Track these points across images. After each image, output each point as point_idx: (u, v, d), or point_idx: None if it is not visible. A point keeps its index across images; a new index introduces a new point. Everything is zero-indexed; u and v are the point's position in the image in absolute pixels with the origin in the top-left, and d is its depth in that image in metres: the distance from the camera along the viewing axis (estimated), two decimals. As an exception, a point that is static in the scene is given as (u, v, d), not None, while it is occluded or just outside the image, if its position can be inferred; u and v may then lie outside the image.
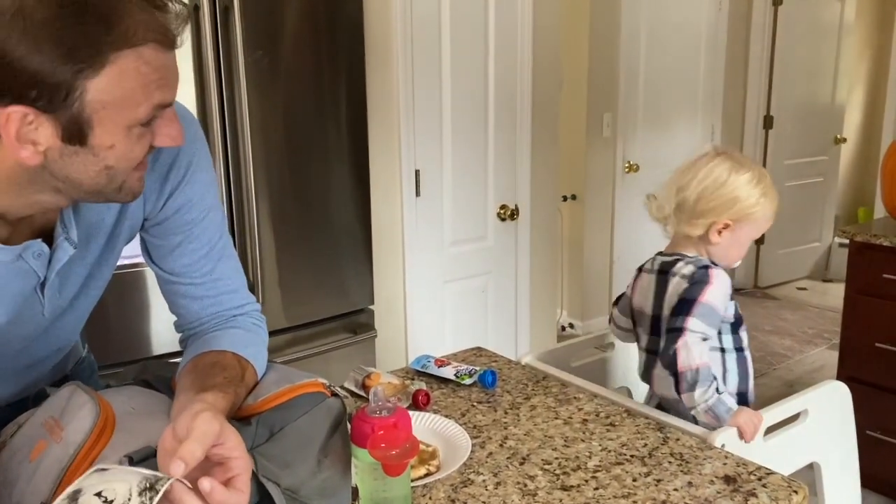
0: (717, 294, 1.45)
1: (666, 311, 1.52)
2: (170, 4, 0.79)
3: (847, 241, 2.56)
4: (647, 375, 1.58)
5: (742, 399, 1.52)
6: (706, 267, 1.50)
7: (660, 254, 1.62)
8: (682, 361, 1.38)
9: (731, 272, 1.62)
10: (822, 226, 5.37)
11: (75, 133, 0.76)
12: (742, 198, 1.49)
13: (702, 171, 1.51)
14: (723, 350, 1.52)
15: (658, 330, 1.55)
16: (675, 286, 1.51)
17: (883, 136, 4.29)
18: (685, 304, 1.45)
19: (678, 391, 1.39)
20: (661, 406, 1.51)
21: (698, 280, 1.47)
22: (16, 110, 0.73)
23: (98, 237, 0.96)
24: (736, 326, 1.53)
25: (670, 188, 1.54)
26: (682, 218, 1.53)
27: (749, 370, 1.55)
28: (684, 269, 1.52)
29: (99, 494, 0.70)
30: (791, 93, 4.91)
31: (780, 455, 1.37)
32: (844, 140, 5.37)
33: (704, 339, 1.42)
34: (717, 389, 1.38)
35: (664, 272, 1.56)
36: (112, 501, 0.70)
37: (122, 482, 0.71)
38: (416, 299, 2.81)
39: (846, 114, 5.41)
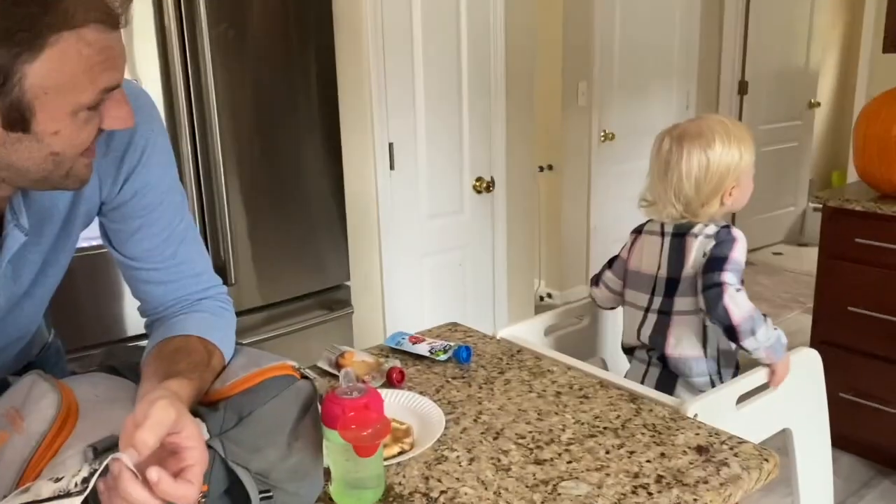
0: (743, 250, 1.54)
1: (689, 270, 1.58)
2: None
3: (821, 206, 2.57)
4: (655, 337, 1.62)
5: (730, 358, 1.58)
6: (728, 227, 1.58)
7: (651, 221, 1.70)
8: (736, 313, 1.47)
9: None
10: (796, 190, 5.41)
11: (17, 120, 0.73)
12: (731, 163, 1.57)
13: (681, 166, 1.57)
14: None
15: (672, 291, 1.59)
16: (701, 245, 1.58)
17: (856, 101, 4.31)
18: (717, 261, 1.52)
19: (736, 340, 1.48)
20: (666, 370, 1.58)
21: (725, 239, 1.55)
22: None
23: (51, 222, 0.93)
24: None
25: (667, 195, 1.59)
26: (694, 209, 1.60)
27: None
28: (706, 229, 1.59)
29: (53, 478, 0.72)
30: (765, 58, 4.91)
31: (753, 422, 1.39)
32: (818, 104, 5.39)
33: (738, 290, 1.50)
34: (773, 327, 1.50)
35: (681, 234, 1.61)
36: (61, 478, 0.71)
37: (75, 466, 0.72)
38: (393, 274, 2.79)
39: (820, 78, 5.42)
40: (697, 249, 1.57)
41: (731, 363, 1.61)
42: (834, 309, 2.56)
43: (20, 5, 0.69)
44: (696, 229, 1.59)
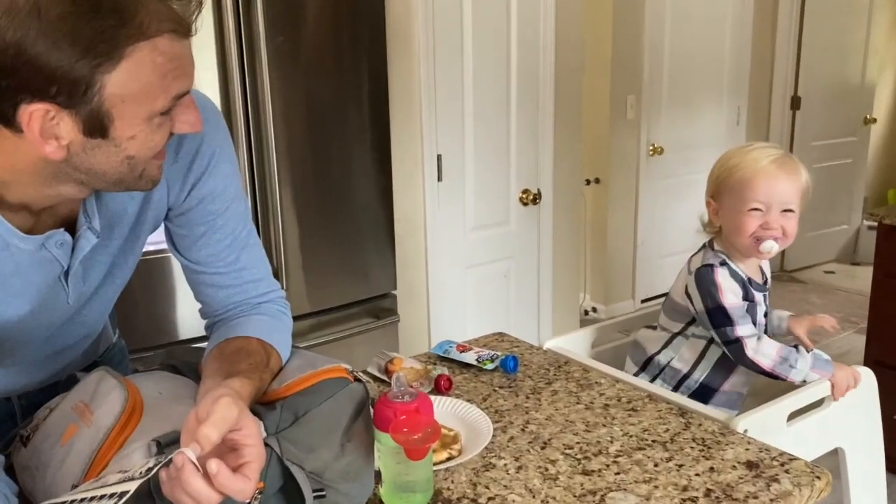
0: (731, 291, 1.47)
1: (674, 295, 1.56)
2: None
3: (875, 224, 2.52)
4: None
5: (705, 391, 1.53)
6: (710, 266, 1.49)
7: None
8: (766, 363, 1.44)
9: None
10: (850, 208, 5.28)
11: (97, 127, 0.77)
12: (713, 172, 1.53)
13: None
14: (710, 340, 1.53)
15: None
16: (683, 277, 1.55)
17: (915, 117, 4.21)
18: (719, 316, 1.46)
19: (781, 379, 1.45)
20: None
21: (707, 282, 1.47)
22: (38, 108, 0.74)
23: (121, 226, 0.97)
24: None
25: None
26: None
27: (732, 375, 1.54)
28: (694, 259, 1.55)
29: (121, 471, 0.76)
30: (819, 72, 4.82)
31: (804, 440, 1.37)
32: (874, 120, 5.27)
33: (759, 338, 1.45)
34: (805, 351, 1.44)
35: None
36: (128, 471, 0.75)
37: (141, 461, 0.76)
38: (439, 284, 2.82)
39: (876, 93, 5.30)
40: (682, 278, 1.54)
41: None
42: (889, 329, 2.50)
43: (99, 19, 0.72)
44: (693, 256, 1.56)
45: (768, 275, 1.61)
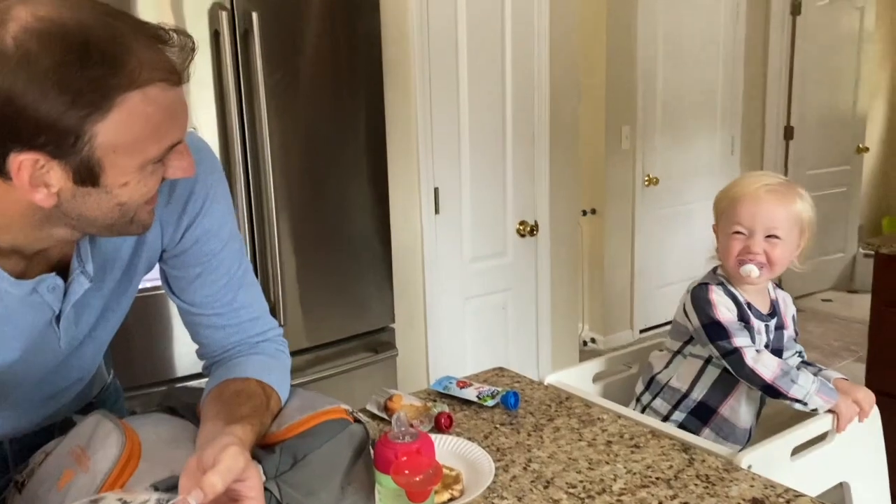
0: (725, 308, 1.47)
1: (677, 317, 1.55)
2: (175, 37, 0.78)
3: (872, 253, 2.52)
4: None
5: (704, 411, 1.51)
6: (705, 284, 1.50)
7: None
8: (766, 374, 1.42)
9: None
10: (846, 236, 5.30)
11: (87, 176, 0.76)
12: (715, 199, 1.54)
13: None
14: (707, 359, 1.52)
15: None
16: (683, 297, 1.55)
17: (906, 146, 4.25)
18: (715, 330, 1.46)
19: (781, 396, 1.42)
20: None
21: (703, 302, 1.48)
22: (27, 157, 0.73)
23: (114, 269, 0.96)
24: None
25: None
26: None
27: (729, 398, 1.52)
28: (696, 280, 1.55)
29: (121, 500, 0.75)
30: (811, 102, 4.87)
31: (809, 475, 1.35)
32: (867, 149, 5.31)
33: (758, 351, 1.44)
34: (814, 372, 1.44)
35: None
36: (129, 502, 0.74)
37: (143, 494, 0.75)
38: (437, 317, 2.81)
39: (868, 123, 5.35)
40: (682, 298, 1.55)
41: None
42: (889, 358, 2.49)
43: (89, 68, 0.71)
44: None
45: (785, 309, 1.58)
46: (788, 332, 1.56)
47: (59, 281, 0.89)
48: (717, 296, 1.48)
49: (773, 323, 1.53)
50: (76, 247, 0.89)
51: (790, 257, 1.48)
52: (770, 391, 1.43)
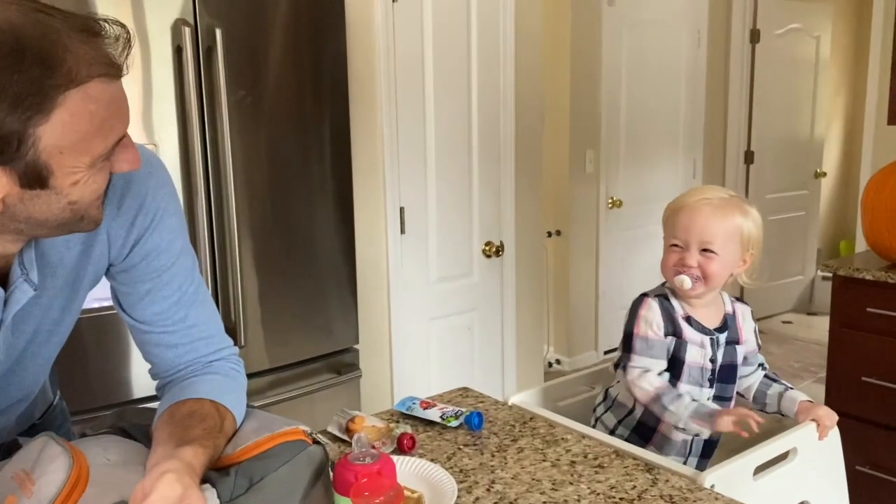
0: (646, 324, 1.47)
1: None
2: (108, 27, 0.76)
3: (830, 275, 2.57)
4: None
5: (644, 430, 1.52)
6: (644, 295, 1.52)
7: None
8: (640, 395, 1.46)
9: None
10: (804, 259, 5.41)
11: (35, 179, 0.74)
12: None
13: None
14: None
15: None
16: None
17: (861, 171, 4.35)
18: (625, 339, 1.50)
19: (658, 416, 1.45)
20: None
21: (631, 313, 1.51)
22: None
23: (57, 278, 0.92)
24: (669, 366, 1.49)
25: None
26: None
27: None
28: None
29: None
30: (771, 128, 4.99)
31: (771, 494, 1.36)
32: (824, 174, 5.44)
33: (647, 371, 1.46)
34: (692, 398, 1.42)
35: None
36: None
37: None
38: (402, 338, 2.78)
39: (825, 148, 5.49)
40: None
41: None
42: (847, 379, 2.53)
43: (24, 71, 0.69)
44: None
45: (743, 323, 1.56)
46: (746, 346, 1.55)
47: (1, 291, 0.86)
48: (646, 310, 1.49)
49: (722, 337, 1.52)
50: (19, 255, 0.86)
51: (727, 272, 1.48)
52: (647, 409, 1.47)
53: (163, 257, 0.98)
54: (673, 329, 1.48)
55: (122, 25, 0.77)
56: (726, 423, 1.37)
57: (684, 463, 1.50)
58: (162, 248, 0.97)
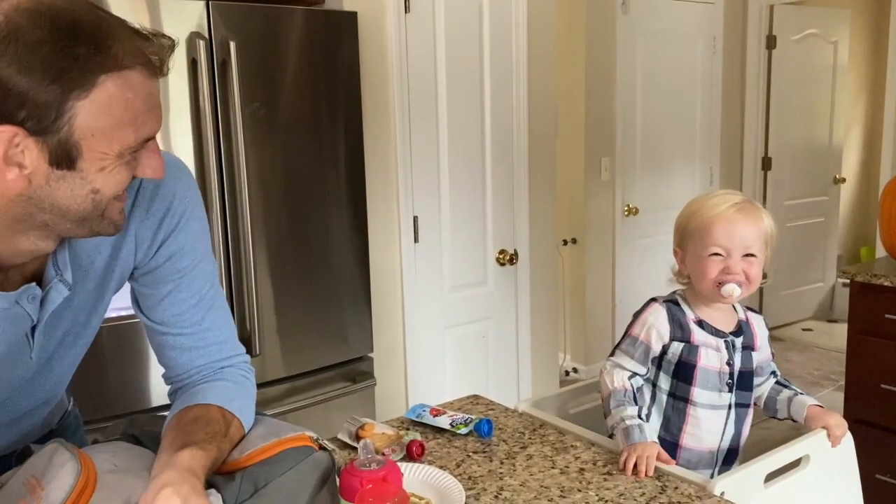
0: (644, 326, 1.48)
1: None
2: (154, 38, 0.81)
3: (848, 282, 2.54)
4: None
5: (665, 448, 1.42)
6: (652, 300, 1.53)
7: None
8: (602, 388, 1.48)
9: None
10: (824, 266, 5.35)
11: (63, 157, 0.77)
12: (678, 220, 1.55)
13: None
14: (654, 385, 1.50)
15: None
16: None
17: (881, 176, 4.31)
18: (622, 339, 1.52)
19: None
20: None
21: (637, 314, 1.52)
22: (4, 130, 0.73)
23: (87, 281, 0.96)
24: (680, 373, 1.47)
25: None
26: None
27: (685, 425, 1.48)
28: None
29: None
30: (788, 134, 4.95)
31: (783, 502, 1.34)
32: (844, 180, 5.38)
33: (629, 373, 1.48)
34: (639, 415, 1.39)
35: None
36: None
37: None
38: (416, 346, 2.79)
39: (844, 154, 5.43)
40: None
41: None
42: (866, 387, 2.50)
43: (75, 46, 0.73)
44: None
45: (757, 330, 1.55)
46: (761, 354, 1.55)
47: (39, 290, 0.89)
48: (650, 314, 1.50)
49: (738, 341, 1.51)
50: (53, 256, 0.89)
51: (762, 273, 1.50)
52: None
53: (185, 259, 1.00)
54: (682, 334, 1.47)
55: (167, 36, 0.83)
56: (625, 461, 1.29)
57: (711, 476, 1.46)
58: (186, 251, 1.00)
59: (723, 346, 1.49)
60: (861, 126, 5.74)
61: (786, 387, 1.57)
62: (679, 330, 1.48)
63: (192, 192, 1.01)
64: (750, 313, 1.58)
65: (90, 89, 0.74)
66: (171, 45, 0.82)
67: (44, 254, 0.88)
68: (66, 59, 0.73)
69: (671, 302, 1.51)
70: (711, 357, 1.48)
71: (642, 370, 1.48)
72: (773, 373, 1.60)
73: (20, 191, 0.77)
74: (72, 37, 0.73)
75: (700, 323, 1.49)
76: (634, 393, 1.44)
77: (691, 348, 1.47)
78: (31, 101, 0.72)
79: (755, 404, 1.58)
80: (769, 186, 4.93)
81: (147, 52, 0.79)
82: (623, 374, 1.47)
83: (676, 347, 1.47)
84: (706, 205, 1.49)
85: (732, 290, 1.45)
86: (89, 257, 0.94)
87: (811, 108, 5.07)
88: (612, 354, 1.51)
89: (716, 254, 1.46)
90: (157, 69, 0.80)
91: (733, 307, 1.55)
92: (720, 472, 1.51)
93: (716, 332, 1.49)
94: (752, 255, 1.45)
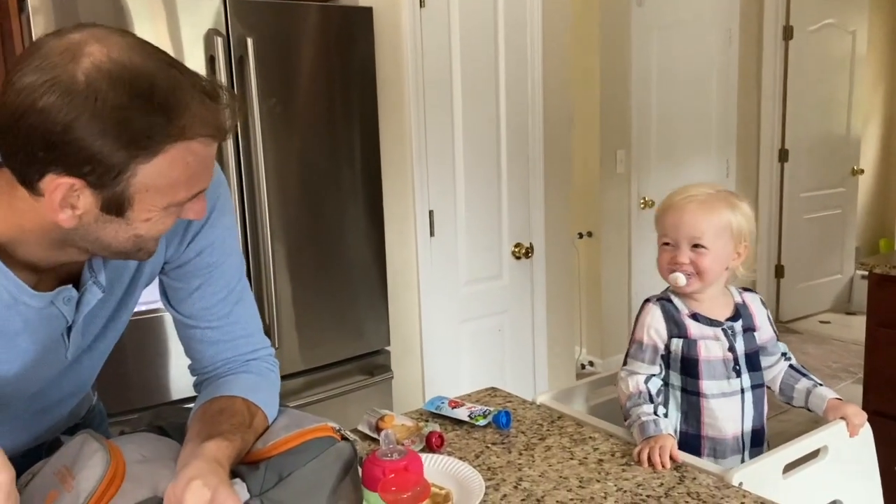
0: (644, 326, 1.49)
1: None
2: (224, 96, 0.82)
3: (867, 273, 2.53)
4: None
5: (689, 441, 1.46)
6: (647, 301, 1.53)
7: None
8: (620, 395, 1.48)
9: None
10: (842, 258, 5.31)
11: (115, 206, 0.79)
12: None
13: None
14: (667, 384, 1.51)
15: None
16: None
17: (900, 167, 4.28)
18: (630, 345, 1.51)
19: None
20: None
21: (636, 319, 1.53)
22: (66, 181, 0.76)
23: (121, 280, 0.98)
24: (686, 368, 1.48)
25: None
26: None
27: (702, 417, 1.48)
28: None
29: None
30: (805, 126, 4.91)
31: (801, 492, 1.35)
32: (862, 171, 5.33)
33: (645, 375, 1.48)
34: (655, 412, 1.39)
35: None
36: None
37: None
38: (433, 340, 2.80)
39: (863, 145, 5.38)
40: None
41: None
42: (885, 379, 2.49)
43: (149, 115, 0.75)
44: None
45: (755, 311, 1.54)
46: (763, 333, 1.54)
47: (75, 292, 0.91)
48: (648, 316, 1.51)
49: (737, 325, 1.50)
50: (87, 260, 0.91)
51: (720, 266, 1.48)
52: None
53: (215, 254, 1.02)
54: (678, 330, 1.48)
55: (234, 96, 0.84)
56: (640, 453, 1.30)
57: (742, 460, 1.47)
58: (215, 245, 1.02)
59: (721, 334, 1.49)
60: (879, 117, 5.69)
61: (803, 375, 1.56)
62: (675, 327, 1.48)
63: (222, 187, 1.03)
64: (746, 294, 1.57)
65: (154, 156, 0.77)
66: (235, 109, 0.83)
67: (80, 261, 0.91)
68: (139, 126, 0.74)
69: (664, 300, 1.52)
70: (712, 348, 1.48)
71: (656, 370, 1.49)
72: (785, 355, 1.59)
73: (70, 227, 0.80)
74: (147, 104, 0.74)
75: (695, 316, 1.49)
76: (650, 393, 1.45)
77: (690, 343, 1.47)
78: (98, 161, 0.75)
79: (769, 388, 1.58)
80: (786, 178, 4.90)
81: (214, 115, 0.80)
82: (639, 379, 1.47)
83: (676, 344, 1.48)
84: (669, 196, 1.53)
85: (676, 278, 1.47)
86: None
87: (829, 98, 5.02)
88: (624, 364, 1.52)
89: (665, 243, 1.49)
90: (221, 136, 0.82)
91: (729, 291, 1.55)
92: (751, 456, 1.50)
93: (712, 322, 1.49)
94: (700, 245, 1.45)
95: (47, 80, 0.72)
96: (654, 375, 1.48)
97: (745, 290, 1.59)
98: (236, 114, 0.83)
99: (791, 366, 1.58)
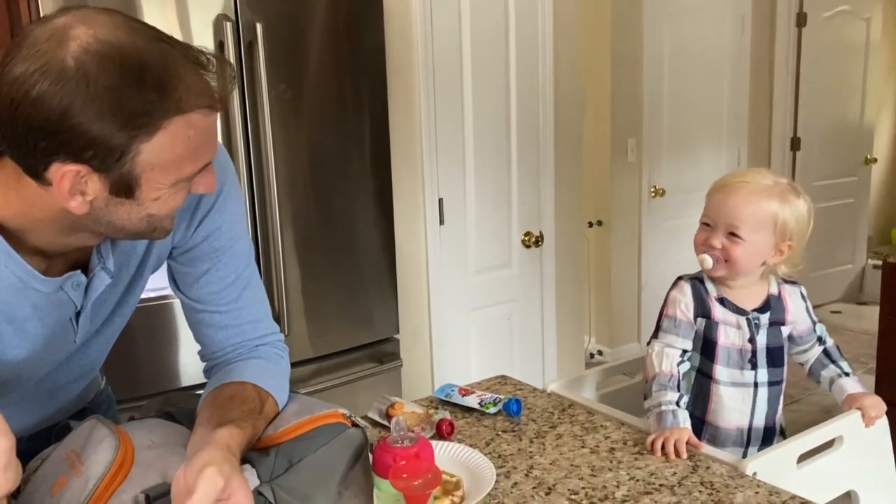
0: (676, 302, 1.47)
1: None
2: (214, 63, 0.81)
3: (880, 263, 2.50)
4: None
5: (692, 424, 1.40)
6: (680, 278, 1.52)
7: None
8: (647, 369, 1.45)
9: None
10: (854, 247, 5.27)
11: (123, 188, 0.79)
12: None
13: None
14: (691, 367, 1.49)
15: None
16: None
17: (915, 156, 4.23)
18: (659, 320, 1.50)
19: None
20: None
21: (667, 295, 1.51)
22: (71, 168, 0.76)
23: (129, 265, 0.98)
24: (704, 349, 1.47)
25: None
26: None
27: (710, 402, 1.47)
28: None
29: None
30: (818, 114, 4.86)
31: (815, 483, 1.33)
32: (875, 160, 5.28)
33: (679, 351, 1.45)
34: (678, 402, 1.36)
35: None
36: None
37: None
38: (442, 328, 2.79)
39: (876, 134, 5.33)
40: None
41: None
42: (899, 368, 2.47)
43: (143, 92, 0.74)
44: None
45: (791, 304, 1.50)
46: (798, 327, 1.51)
47: (83, 278, 0.91)
48: (677, 292, 1.49)
49: (763, 317, 1.47)
50: (96, 246, 0.91)
51: (755, 260, 1.43)
52: None
53: (223, 238, 1.02)
54: (703, 310, 1.47)
55: (230, 64, 0.84)
56: (653, 442, 1.28)
57: (744, 455, 1.45)
58: (223, 229, 1.01)
59: (744, 323, 1.46)
60: (893, 105, 5.62)
61: (833, 361, 1.54)
62: (701, 306, 1.47)
63: (228, 170, 1.02)
64: (785, 286, 1.52)
65: (154, 133, 0.76)
66: (233, 76, 0.83)
67: (89, 246, 0.90)
68: (134, 104, 0.74)
69: (696, 279, 1.50)
70: (731, 334, 1.46)
71: (689, 345, 1.46)
72: (821, 339, 1.56)
73: (82, 213, 0.80)
74: (139, 81, 0.74)
75: (721, 300, 1.47)
76: (679, 380, 1.42)
77: (711, 325, 1.46)
78: (99, 144, 0.74)
79: (801, 364, 1.57)
80: (798, 167, 4.85)
81: (209, 85, 0.79)
82: (674, 357, 1.43)
83: (700, 323, 1.47)
84: (727, 175, 1.50)
85: (703, 259, 1.44)
86: (131, 243, 0.96)
87: (842, 86, 4.96)
88: (654, 336, 1.48)
89: (704, 223, 1.47)
90: (220, 104, 0.81)
91: (767, 281, 1.51)
92: (758, 452, 1.49)
93: (737, 310, 1.47)
94: (736, 234, 1.41)
95: (37, 69, 0.72)
96: (686, 352, 1.45)
97: (787, 281, 1.54)
98: (234, 80, 0.83)
99: (825, 350, 1.56)
